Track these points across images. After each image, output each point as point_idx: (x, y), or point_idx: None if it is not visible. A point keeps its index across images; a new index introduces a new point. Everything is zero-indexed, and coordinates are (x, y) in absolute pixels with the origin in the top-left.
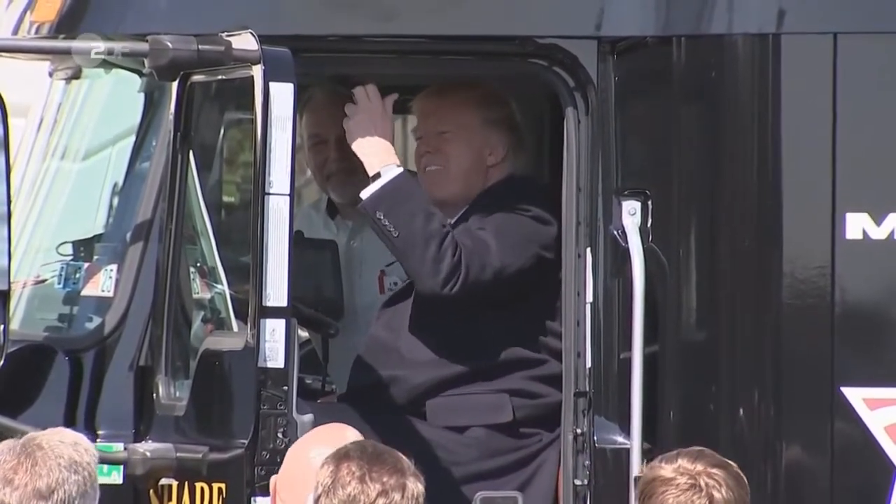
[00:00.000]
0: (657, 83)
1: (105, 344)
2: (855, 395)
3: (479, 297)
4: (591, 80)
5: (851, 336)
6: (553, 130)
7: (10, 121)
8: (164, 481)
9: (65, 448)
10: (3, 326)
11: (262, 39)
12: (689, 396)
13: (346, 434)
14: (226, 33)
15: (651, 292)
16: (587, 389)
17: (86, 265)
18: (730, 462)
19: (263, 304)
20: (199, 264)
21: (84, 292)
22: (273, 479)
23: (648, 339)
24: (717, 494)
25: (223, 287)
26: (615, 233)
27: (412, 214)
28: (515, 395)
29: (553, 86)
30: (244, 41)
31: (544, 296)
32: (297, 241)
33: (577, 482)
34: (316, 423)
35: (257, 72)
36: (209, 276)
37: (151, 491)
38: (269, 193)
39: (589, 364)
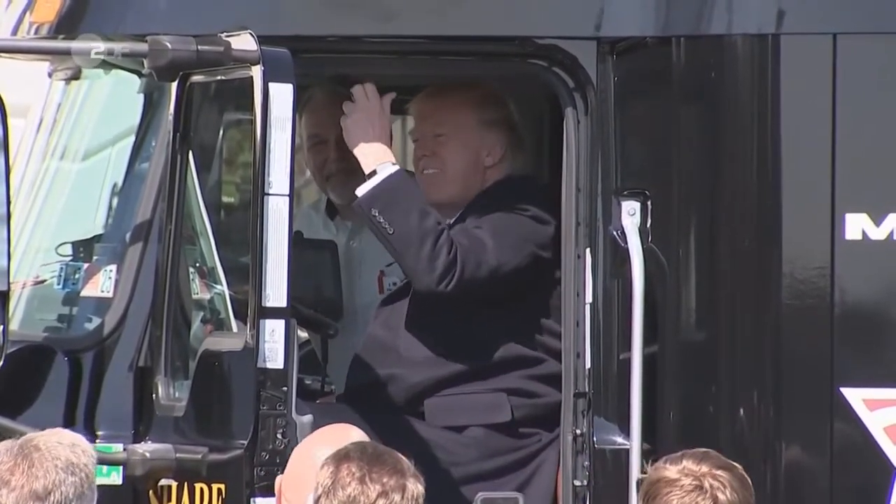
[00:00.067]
0: (657, 83)
1: (104, 344)
2: (854, 396)
3: (475, 295)
4: (591, 81)
5: (851, 336)
6: (553, 131)
7: (10, 121)
8: (163, 482)
9: (62, 449)
10: (2, 327)
11: (262, 40)
12: (689, 397)
13: (351, 434)
14: (225, 34)
15: (650, 293)
16: (587, 390)
17: (85, 266)
18: (735, 464)
19: (263, 304)
20: (198, 265)
21: (83, 293)
22: (278, 479)
23: (648, 339)
24: (721, 496)
25: (222, 287)
26: (615, 233)
27: (407, 212)
28: (514, 395)
29: (552, 86)
30: (243, 42)
31: (542, 295)
32: (297, 241)
33: (577, 483)
34: (315, 424)
35: (257, 72)
36: (208, 276)
37: (151, 492)
38: (268, 194)
39: (588, 364)
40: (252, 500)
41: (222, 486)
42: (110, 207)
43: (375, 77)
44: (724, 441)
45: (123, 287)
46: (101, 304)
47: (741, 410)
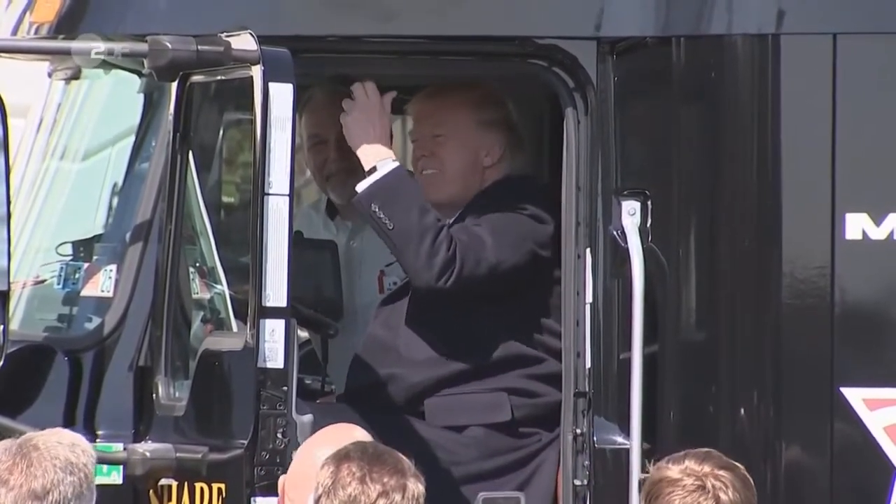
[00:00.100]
0: (657, 83)
1: (104, 344)
2: (854, 396)
3: (474, 292)
4: (591, 81)
5: (851, 336)
6: (553, 131)
7: (10, 121)
8: (163, 481)
9: (61, 449)
10: (2, 327)
11: (262, 40)
12: (689, 396)
13: (354, 434)
14: (225, 34)
15: (651, 292)
16: (587, 390)
17: (85, 265)
18: (737, 464)
19: (263, 304)
20: (198, 264)
21: (83, 292)
22: (281, 478)
23: (648, 339)
24: (723, 496)
25: (223, 287)
26: (615, 233)
27: (407, 208)
28: (514, 394)
29: (553, 86)
30: (243, 42)
31: (541, 294)
32: (297, 241)
33: (577, 482)
34: (315, 424)
35: (257, 72)
36: (209, 276)
37: (151, 491)
38: (268, 194)
39: (588, 364)
40: (252, 499)
41: (222, 486)
42: (110, 207)
43: (375, 77)
44: (724, 441)
45: (123, 287)
46: (102, 304)
47: (741, 410)
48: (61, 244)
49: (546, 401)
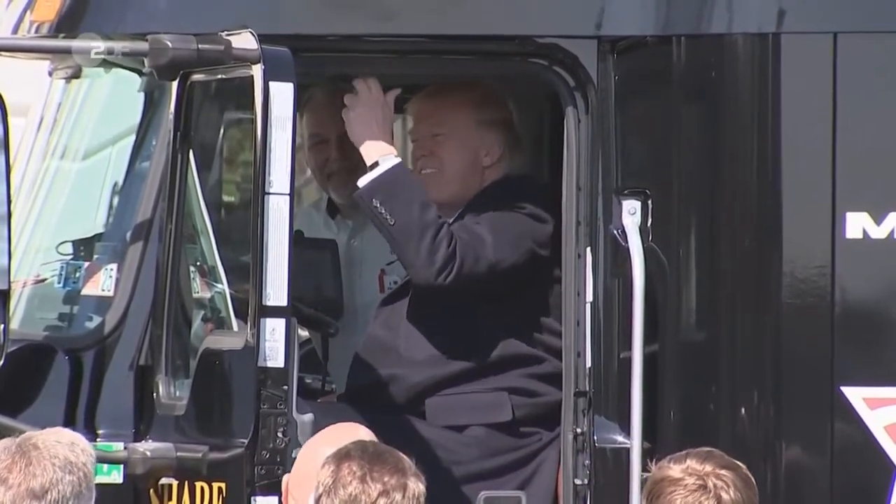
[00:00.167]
0: (657, 83)
1: (105, 343)
2: (855, 395)
3: (473, 290)
4: (591, 80)
5: (851, 336)
6: (553, 130)
7: (10, 120)
8: (164, 481)
9: (60, 448)
10: (3, 326)
11: (262, 39)
12: (689, 396)
13: (358, 433)
14: (225, 33)
15: (651, 292)
16: (587, 389)
17: (86, 264)
18: (739, 463)
19: (263, 303)
20: (199, 264)
21: (84, 291)
22: (285, 477)
23: (648, 338)
24: (725, 496)
25: (223, 286)
26: (615, 232)
27: (409, 204)
28: (514, 394)
29: (553, 85)
30: (244, 40)
31: (541, 294)
32: (297, 240)
33: (577, 481)
34: (316, 423)
35: (257, 71)
36: (209, 275)
37: (151, 490)
38: (268, 193)
39: (589, 363)
40: (252, 498)
41: (223, 485)
42: (111, 206)
43: (376, 76)
44: (725, 440)
45: (124, 286)
46: (102, 303)
47: (742, 409)
48: (62, 243)
49: (546, 400)
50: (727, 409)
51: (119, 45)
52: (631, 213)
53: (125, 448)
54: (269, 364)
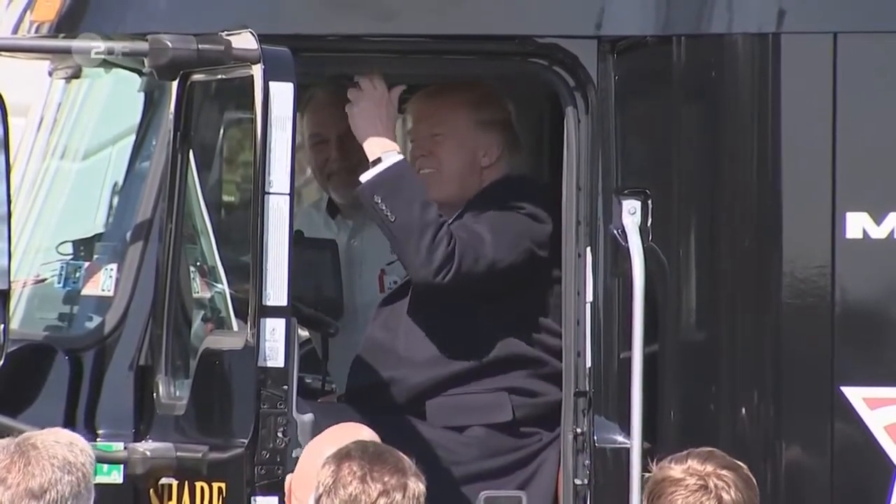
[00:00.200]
0: (657, 83)
1: (105, 343)
2: (855, 395)
3: (471, 290)
4: (591, 80)
5: (851, 335)
6: (553, 130)
7: (10, 120)
8: (164, 481)
9: (59, 448)
10: (3, 326)
11: (262, 39)
12: (689, 396)
13: (362, 433)
14: (225, 33)
15: (651, 292)
16: (587, 389)
17: (86, 264)
18: (740, 463)
19: (263, 303)
20: (199, 263)
21: (84, 291)
22: (288, 477)
23: (648, 338)
24: (726, 496)
25: (223, 286)
26: (615, 232)
27: (409, 202)
28: (514, 394)
29: (553, 85)
30: (244, 40)
31: (540, 294)
32: (297, 240)
33: (577, 481)
34: (316, 423)
35: (257, 71)
36: (209, 275)
37: (151, 490)
38: (268, 193)
39: (589, 363)
40: (252, 498)
41: (223, 485)
42: (111, 206)
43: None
44: (725, 440)
45: (124, 286)
46: (102, 303)
47: (742, 409)
48: (62, 243)
49: (547, 400)
50: (727, 409)
51: (119, 45)
52: (631, 213)
53: (125, 448)
54: (269, 364)
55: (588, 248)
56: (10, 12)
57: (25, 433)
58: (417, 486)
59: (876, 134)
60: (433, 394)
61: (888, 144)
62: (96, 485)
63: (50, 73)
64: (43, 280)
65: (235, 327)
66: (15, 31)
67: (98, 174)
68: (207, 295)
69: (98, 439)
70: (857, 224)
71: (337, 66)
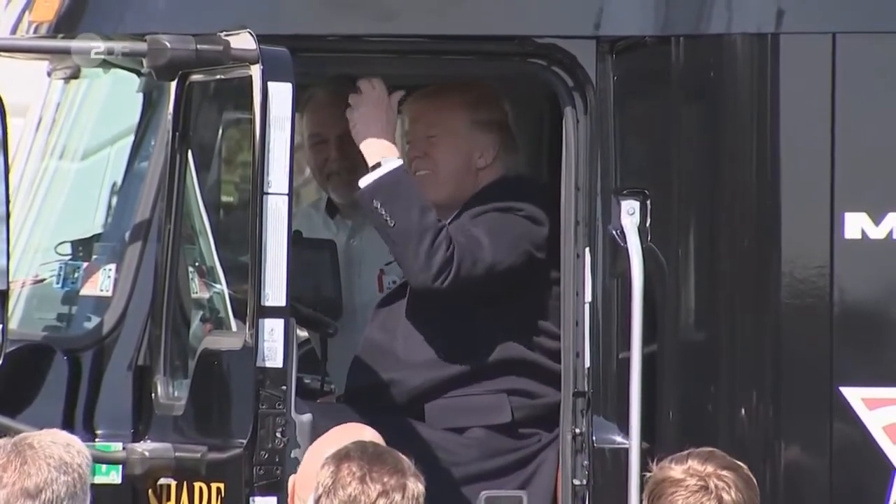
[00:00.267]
0: (656, 83)
1: (104, 343)
2: (854, 395)
3: (470, 293)
4: (590, 80)
5: (850, 336)
6: (552, 130)
7: (10, 120)
8: (162, 481)
9: (56, 448)
10: (2, 326)
11: (262, 39)
12: (689, 396)
13: (364, 434)
14: (224, 33)
15: (650, 292)
16: (586, 389)
17: (84, 265)
18: (740, 464)
19: (262, 303)
20: (197, 264)
21: (83, 292)
22: (292, 478)
23: (647, 338)
24: (726, 496)
25: (222, 287)
26: (614, 232)
27: (409, 206)
28: (513, 395)
29: (552, 85)
30: (243, 41)
31: (539, 295)
32: (296, 240)
33: (576, 482)
34: (314, 423)
35: (256, 71)
36: (208, 275)
37: (150, 491)
38: (267, 193)
39: (588, 364)
40: (251, 499)
41: (221, 485)
42: (109, 206)
43: (377, 77)
44: (724, 440)
45: (123, 286)
46: (101, 303)
47: (741, 410)
48: (60, 243)
49: (545, 401)
50: (726, 409)
51: (118, 46)
52: (630, 214)
53: (124, 448)
54: (268, 364)
55: (587, 249)
56: (8, 12)
57: (22, 433)
58: (417, 486)
59: (875, 134)
60: (433, 396)
61: (887, 145)
62: (95, 485)
63: (49, 74)
64: (42, 280)
65: (234, 327)
66: (14, 31)
67: (97, 174)
68: (206, 295)
69: (97, 439)
70: (855, 224)
71: (337, 67)
